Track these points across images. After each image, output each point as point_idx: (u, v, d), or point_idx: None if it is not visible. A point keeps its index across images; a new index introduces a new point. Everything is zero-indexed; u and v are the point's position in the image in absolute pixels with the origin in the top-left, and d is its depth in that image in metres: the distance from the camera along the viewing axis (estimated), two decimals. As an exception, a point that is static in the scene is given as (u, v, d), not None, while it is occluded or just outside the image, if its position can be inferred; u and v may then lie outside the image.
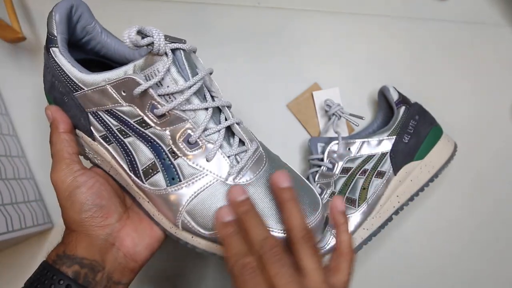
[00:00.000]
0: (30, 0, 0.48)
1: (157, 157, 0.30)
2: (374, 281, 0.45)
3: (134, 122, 0.30)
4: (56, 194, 0.30)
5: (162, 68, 0.28)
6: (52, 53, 0.32)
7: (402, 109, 0.42)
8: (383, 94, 0.44)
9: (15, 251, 0.43)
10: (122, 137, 0.31)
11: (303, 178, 0.33)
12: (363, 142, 0.41)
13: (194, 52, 0.31)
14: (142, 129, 0.30)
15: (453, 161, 0.43)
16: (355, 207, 0.39)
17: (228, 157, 0.30)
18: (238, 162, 0.30)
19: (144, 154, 0.31)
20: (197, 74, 0.30)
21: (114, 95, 0.30)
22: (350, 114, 0.44)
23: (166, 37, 0.28)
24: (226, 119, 0.31)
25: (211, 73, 0.32)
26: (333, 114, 0.45)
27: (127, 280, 0.30)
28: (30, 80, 0.47)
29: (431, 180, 0.42)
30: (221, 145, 0.30)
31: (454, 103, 0.48)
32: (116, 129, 0.31)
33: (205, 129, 0.30)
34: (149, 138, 0.30)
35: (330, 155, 0.41)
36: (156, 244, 0.32)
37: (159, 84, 0.29)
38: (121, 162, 0.32)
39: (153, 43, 0.27)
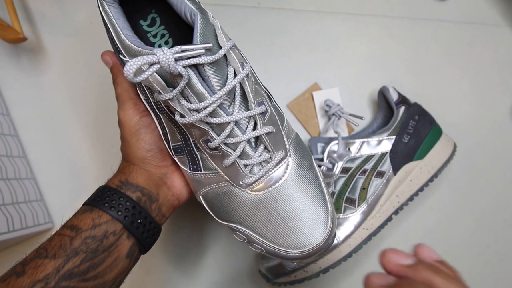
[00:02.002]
0: (31, 1, 0.48)
1: (183, 143, 0.30)
2: (374, 281, 0.45)
3: (165, 106, 0.29)
4: (122, 130, 0.32)
5: (179, 85, 0.25)
6: (100, 6, 0.29)
7: (402, 109, 0.42)
8: (383, 94, 0.44)
9: (15, 251, 0.43)
10: (158, 111, 0.30)
11: (324, 186, 0.31)
12: (363, 142, 0.41)
13: (232, 47, 0.26)
14: (172, 116, 0.29)
15: (452, 161, 0.43)
16: (355, 207, 0.39)
17: (245, 166, 0.28)
18: (255, 173, 0.29)
19: (174, 134, 0.30)
20: (227, 81, 0.26)
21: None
22: (350, 114, 0.44)
23: (183, 51, 0.24)
24: (255, 128, 0.28)
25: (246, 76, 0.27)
26: (333, 114, 0.45)
27: (169, 215, 0.33)
28: (30, 80, 0.47)
29: (431, 180, 0.42)
30: (241, 153, 0.28)
31: (454, 103, 0.48)
32: (153, 102, 0.29)
33: (228, 136, 0.27)
34: (178, 125, 0.29)
35: (330, 155, 0.41)
36: None
37: (182, 95, 0.26)
38: (159, 129, 0.32)
39: (161, 66, 0.23)
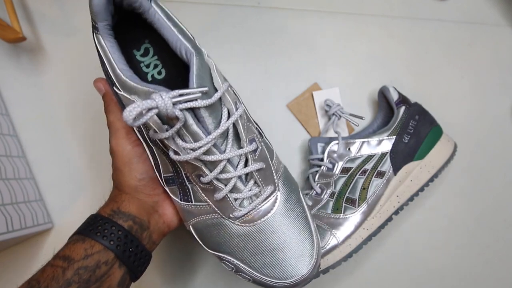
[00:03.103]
0: (31, 1, 0.48)
1: (175, 174, 0.31)
2: (374, 281, 0.45)
3: (159, 141, 0.29)
4: (113, 159, 0.32)
5: (175, 126, 0.26)
6: (96, 40, 0.30)
7: (402, 109, 0.42)
8: (383, 94, 0.44)
9: (15, 251, 0.43)
10: (150, 143, 0.31)
11: (310, 218, 0.32)
12: (363, 142, 0.41)
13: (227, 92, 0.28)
14: (165, 149, 0.30)
15: (453, 161, 0.43)
16: (355, 207, 0.39)
17: (236, 200, 0.30)
18: (245, 207, 0.30)
19: (166, 166, 0.31)
20: (221, 122, 0.27)
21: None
22: (350, 114, 0.44)
23: (182, 95, 0.25)
24: (246, 164, 0.29)
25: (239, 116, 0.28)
26: (333, 114, 0.45)
27: (159, 242, 0.34)
28: (30, 80, 0.47)
29: (431, 180, 0.42)
30: (232, 188, 0.29)
31: (454, 103, 0.48)
32: (146, 134, 0.30)
33: (220, 173, 0.28)
34: (170, 157, 0.30)
35: (330, 155, 0.41)
36: None
37: (178, 134, 0.27)
38: (151, 159, 0.32)
39: (159, 111, 0.24)
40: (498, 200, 0.47)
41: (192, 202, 0.31)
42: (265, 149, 0.31)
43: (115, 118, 0.32)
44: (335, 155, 0.41)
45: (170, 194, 0.33)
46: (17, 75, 0.47)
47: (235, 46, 0.48)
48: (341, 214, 0.39)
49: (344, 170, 0.40)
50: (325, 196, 0.40)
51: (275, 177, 0.31)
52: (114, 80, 0.29)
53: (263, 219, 0.30)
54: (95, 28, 0.30)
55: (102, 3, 0.29)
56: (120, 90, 0.29)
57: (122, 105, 0.31)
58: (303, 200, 0.33)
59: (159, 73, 0.35)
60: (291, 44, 0.49)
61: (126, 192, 0.32)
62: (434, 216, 0.46)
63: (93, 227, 0.30)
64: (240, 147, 0.29)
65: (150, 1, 0.30)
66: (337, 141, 0.41)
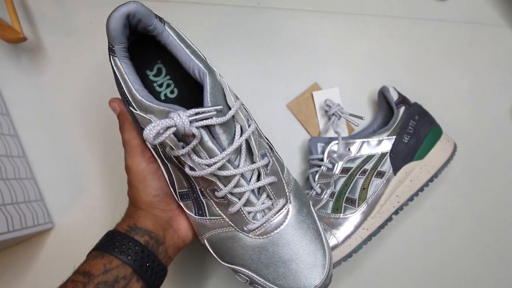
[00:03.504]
0: (31, 1, 0.48)
1: (190, 190, 0.32)
2: (374, 280, 0.45)
3: (174, 157, 0.30)
4: (129, 175, 0.33)
5: (191, 143, 0.27)
6: (112, 61, 0.31)
7: (402, 109, 0.42)
8: (383, 94, 0.44)
9: (15, 251, 0.43)
10: (165, 160, 0.31)
11: (321, 229, 0.33)
12: (363, 142, 0.41)
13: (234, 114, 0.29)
14: (179, 165, 0.30)
15: (453, 161, 0.43)
16: (355, 207, 0.39)
17: (249, 213, 0.30)
18: (258, 220, 0.30)
19: (181, 182, 0.32)
20: (234, 138, 0.28)
21: None
22: (350, 114, 0.44)
23: (199, 112, 0.26)
24: (259, 178, 0.30)
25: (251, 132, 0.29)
26: (333, 114, 0.45)
27: (174, 256, 0.34)
28: (30, 80, 0.47)
29: (431, 180, 0.42)
30: (246, 202, 0.30)
31: (454, 103, 0.48)
32: (161, 151, 0.31)
33: (234, 187, 0.29)
34: (185, 173, 0.31)
35: (330, 155, 0.41)
36: None
37: (193, 150, 0.28)
38: (165, 175, 0.33)
39: (177, 129, 0.25)
40: (498, 200, 0.47)
41: (206, 216, 0.32)
42: (276, 163, 0.32)
43: (130, 136, 0.33)
44: (335, 155, 0.41)
45: (185, 209, 0.33)
46: (17, 75, 0.47)
47: (235, 46, 0.48)
48: (341, 214, 0.39)
49: (344, 170, 0.41)
50: (325, 196, 0.40)
51: (286, 190, 0.32)
52: (130, 100, 0.30)
53: (276, 231, 0.31)
54: (111, 51, 0.31)
55: (120, 28, 0.29)
56: (136, 110, 0.30)
57: (138, 123, 0.32)
58: (313, 212, 0.34)
59: (172, 92, 0.36)
60: (291, 44, 0.49)
61: (141, 208, 0.33)
62: (434, 216, 0.46)
63: (111, 243, 0.30)
64: (252, 162, 0.30)
65: (164, 24, 0.31)
66: (337, 141, 0.41)
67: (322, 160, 0.41)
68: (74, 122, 0.46)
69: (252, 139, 0.30)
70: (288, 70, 0.48)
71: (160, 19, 0.31)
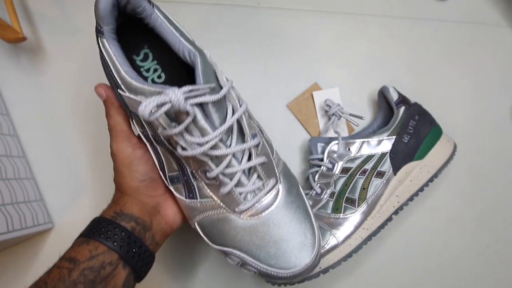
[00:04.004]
0: (31, 1, 0.48)
1: (180, 172, 0.32)
2: (374, 281, 0.45)
3: (164, 139, 0.30)
4: (115, 161, 0.33)
5: (185, 121, 0.27)
6: (101, 43, 0.31)
7: (402, 109, 0.42)
8: (383, 94, 0.44)
9: (15, 251, 0.43)
10: (155, 143, 0.32)
11: (310, 210, 0.33)
12: (363, 142, 0.41)
13: (231, 88, 0.29)
14: (171, 148, 0.30)
15: (452, 161, 0.43)
16: (355, 207, 0.39)
17: (240, 194, 0.30)
18: (249, 200, 0.31)
19: (171, 165, 0.32)
20: (226, 117, 0.28)
21: None
22: (350, 114, 0.44)
23: (191, 91, 0.26)
24: (250, 158, 0.30)
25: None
26: (333, 114, 0.45)
27: (162, 242, 0.34)
28: (30, 80, 0.47)
29: (431, 180, 0.42)
30: (237, 182, 0.30)
31: (454, 103, 0.48)
32: (151, 134, 0.31)
33: (225, 167, 0.29)
34: (176, 156, 0.31)
35: (330, 155, 0.41)
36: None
37: (186, 130, 0.28)
38: (155, 159, 0.33)
39: (172, 105, 0.25)
40: (498, 200, 0.47)
41: (197, 199, 0.32)
42: (266, 144, 0.32)
43: (116, 122, 0.33)
44: (335, 155, 0.41)
45: (175, 193, 0.33)
46: (17, 75, 0.47)
47: (235, 46, 0.48)
48: (341, 214, 0.39)
49: (344, 170, 0.40)
50: (325, 196, 0.40)
51: (276, 171, 0.32)
52: (119, 83, 0.30)
53: (266, 212, 0.31)
54: (99, 32, 0.30)
55: (108, 8, 0.29)
56: (125, 92, 0.30)
57: (126, 106, 0.32)
58: (302, 193, 0.34)
59: (159, 77, 0.35)
60: (291, 44, 0.49)
61: (128, 194, 0.33)
62: (434, 216, 0.46)
63: (96, 230, 0.30)
64: (244, 142, 0.30)
65: (153, 6, 0.31)
66: (337, 141, 0.41)
67: (322, 160, 0.41)
68: (74, 122, 0.46)
69: (244, 119, 0.30)
70: (288, 70, 0.48)
71: (149, 1, 0.31)
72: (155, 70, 0.36)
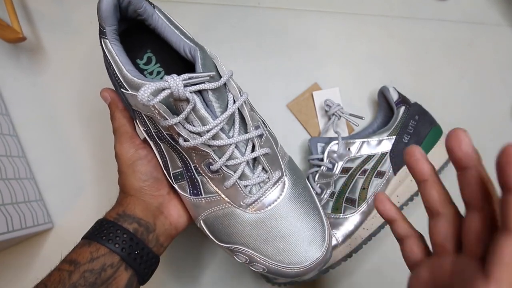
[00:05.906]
0: (30, 0, 0.48)
1: (184, 169, 0.31)
2: (374, 281, 0.45)
3: (167, 134, 0.30)
4: (118, 163, 0.33)
5: (185, 110, 0.27)
6: (103, 44, 0.31)
7: (402, 109, 0.42)
8: (383, 94, 0.44)
9: (15, 251, 0.43)
10: (158, 141, 0.32)
11: (318, 203, 0.33)
12: (363, 142, 0.41)
13: (231, 76, 0.29)
14: (173, 143, 0.30)
15: (453, 161, 0.43)
16: (355, 207, 0.39)
17: (245, 187, 0.30)
18: (254, 194, 0.30)
19: (175, 161, 0.32)
20: (227, 107, 0.28)
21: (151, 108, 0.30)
22: (350, 114, 0.44)
23: (191, 78, 0.26)
24: (253, 150, 0.30)
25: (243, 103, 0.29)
26: (333, 114, 0.45)
27: (167, 244, 0.34)
28: (30, 80, 0.47)
29: (431, 180, 0.42)
30: (241, 175, 0.30)
31: (454, 103, 0.48)
32: (154, 132, 0.31)
33: (228, 159, 0.29)
34: (179, 151, 0.31)
35: (330, 155, 0.41)
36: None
37: (186, 120, 0.28)
38: (159, 158, 0.33)
39: (171, 92, 0.25)
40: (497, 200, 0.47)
41: (202, 195, 0.31)
42: (269, 137, 0.32)
43: (120, 124, 0.34)
44: (335, 155, 0.41)
45: (179, 191, 0.33)
46: (17, 75, 0.47)
47: (235, 46, 0.48)
48: (341, 214, 0.39)
49: (344, 170, 0.40)
50: (325, 196, 0.40)
51: (281, 163, 0.31)
52: (122, 81, 0.30)
53: (273, 205, 0.30)
54: (102, 33, 0.31)
55: (110, 9, 0.30)
56: (127, 90, 0.30)
57: (129, 104, 0.32)
58: (310, 187, 0.34)
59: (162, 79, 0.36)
60: (291, 44, 0.49)
61: (131, 195, 0.33)
62: (434, 216, 0.46)
63: (98, 231, 0.30)
64: (246, 132, 0.30)
65: (153, 6, 0.32)
66: (337, 141, 0.41)
67: (322, 160, 0.41)
68: (74, 122, 0.46)
69: (245, 109, 0.29)
70: (288, 70, 0.48)
71: (150, 3, 0.32)
72: (158, 73, 0.36)
